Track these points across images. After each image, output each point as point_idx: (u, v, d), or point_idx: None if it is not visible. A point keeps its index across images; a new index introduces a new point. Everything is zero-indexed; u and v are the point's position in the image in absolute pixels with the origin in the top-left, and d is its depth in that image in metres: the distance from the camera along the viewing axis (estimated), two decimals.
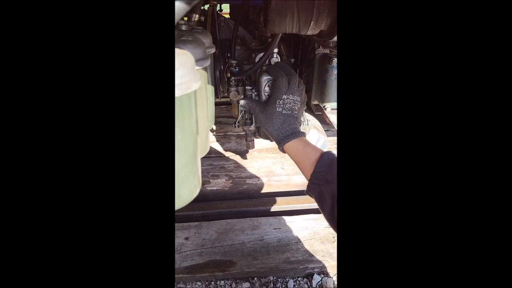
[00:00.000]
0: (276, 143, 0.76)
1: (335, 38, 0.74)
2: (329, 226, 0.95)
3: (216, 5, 1.10)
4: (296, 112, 0.75)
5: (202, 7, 0.90)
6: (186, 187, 0.44)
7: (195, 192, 0.47)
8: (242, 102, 0.85)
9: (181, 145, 0.40)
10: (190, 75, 0.38)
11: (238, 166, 1.71)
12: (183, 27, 0.59)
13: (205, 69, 0.58)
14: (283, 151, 0.75)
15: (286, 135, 0.73)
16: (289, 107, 0.74)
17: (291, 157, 0.74)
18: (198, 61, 0.51)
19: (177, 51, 0.39)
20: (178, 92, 0.36)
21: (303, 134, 0.74)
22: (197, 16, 0.67)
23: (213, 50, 0.63)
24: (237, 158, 1.78)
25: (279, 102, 0.74)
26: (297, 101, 0.76)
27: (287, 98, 0.74)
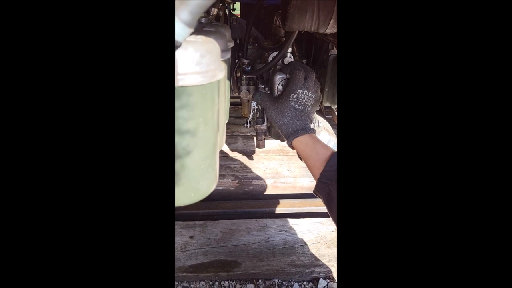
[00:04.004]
0: (285, 137, 0.74)
1: None
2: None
3: (229, 4, 1.10)
4: (308, 108, 0.74)
5: None
6: (205, 180, 0.43)
7: (213, 186, 0.46)
8: (255, 94, 0.85)
9: (203, 136, 0.39)
10: (216, 64, 0.37)
11: (244, 167, 1.70)
12: (203, 20, 0.58)
13: (225, 61, 0.57)
14: (291, 147, 0.73)
15: (295, 130, 0.71)
16: (303, 102, 0.73)
17: (299, 153, 0.72)
18: (221, 52, 0.50)
19: (204, 38, 0.38)
20: (203, 80, 0.35)
21: (313, 131, 0.72)
22: (215, 10, 0.66)
23: (232, 44, 0.62)
24: (243, 158, 1.77)
25: (292, 96, 0.73)
26: (311, 97, 0.74)
27: (302, 93, 0.73)
